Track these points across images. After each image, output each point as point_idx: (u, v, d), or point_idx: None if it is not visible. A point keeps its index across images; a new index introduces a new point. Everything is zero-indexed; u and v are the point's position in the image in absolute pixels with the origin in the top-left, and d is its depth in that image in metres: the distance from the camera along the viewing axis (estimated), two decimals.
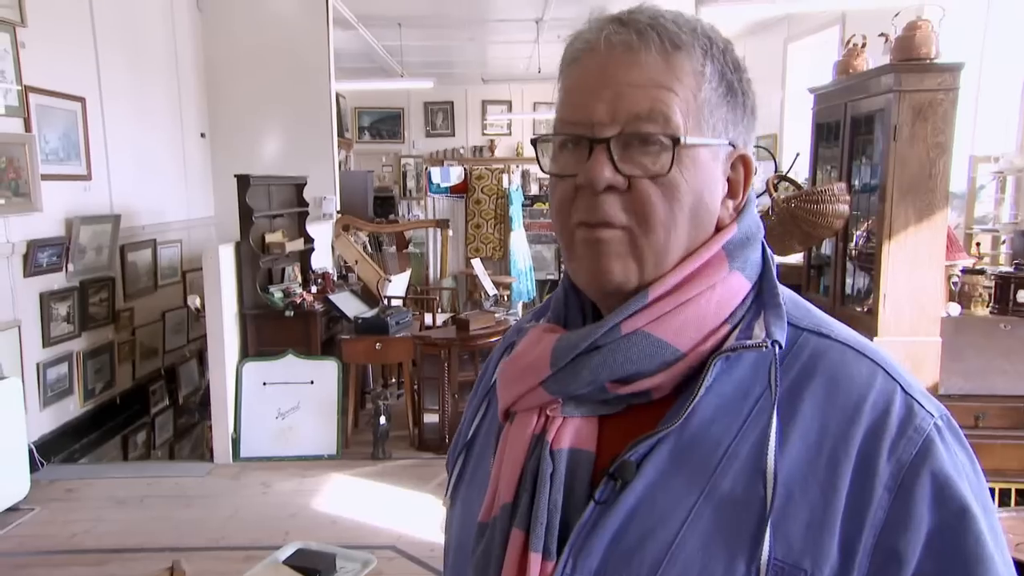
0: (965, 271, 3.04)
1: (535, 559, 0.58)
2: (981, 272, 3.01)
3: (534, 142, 0.65)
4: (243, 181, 4.36)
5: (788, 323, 0.60)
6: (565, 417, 0.61)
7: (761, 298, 0.62)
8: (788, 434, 0.56)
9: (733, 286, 0.61)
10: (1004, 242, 3.95)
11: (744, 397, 0.59)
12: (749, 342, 0.58)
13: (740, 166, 0.63)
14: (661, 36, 0.58)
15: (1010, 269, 3.09)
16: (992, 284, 3.00)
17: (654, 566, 0.55)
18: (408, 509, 3.54)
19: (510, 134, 11.71)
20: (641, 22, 0.59)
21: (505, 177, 7.00)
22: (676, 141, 0.57)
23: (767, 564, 0.53)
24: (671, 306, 0.59)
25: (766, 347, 0.57)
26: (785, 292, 0.64)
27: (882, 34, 2.72)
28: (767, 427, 0.56)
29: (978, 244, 3.92)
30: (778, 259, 4.02)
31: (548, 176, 0.65)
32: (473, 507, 0.67)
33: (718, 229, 0.62)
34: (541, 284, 7.84)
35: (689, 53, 0.59)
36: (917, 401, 0.58)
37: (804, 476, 0.55)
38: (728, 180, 0.63)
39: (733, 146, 0.62)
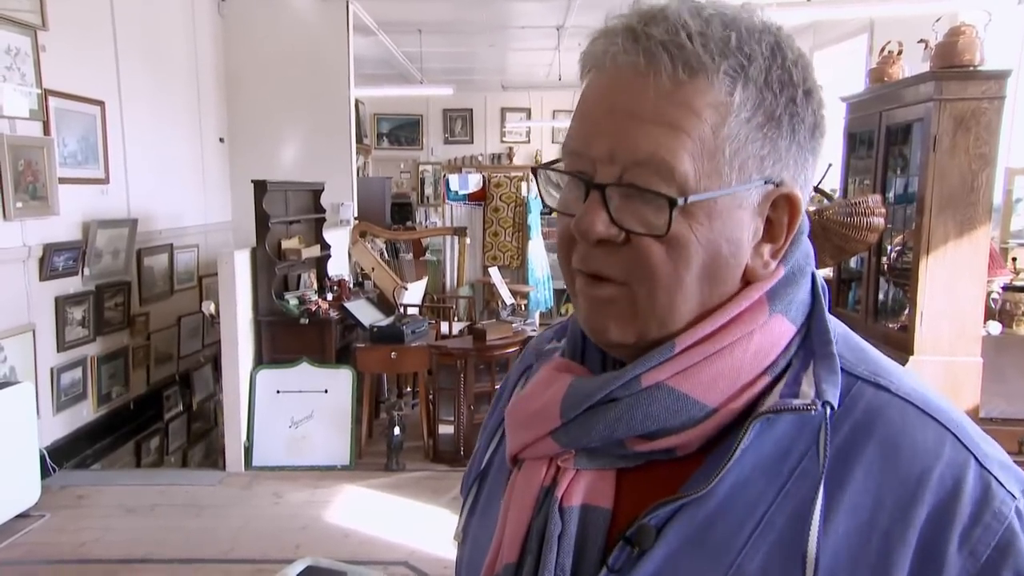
0: (1006, 288, 2.91)
1: None
2: (1023, 289, 2.88)
3: (534, 171, 0.58)
4: (260, 186, 4.31)
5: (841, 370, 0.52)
6: (578, 470, 0.55)
7: (809, 343, 0.53)
8: (834, 507, 0.48)
9: (774, 332, 0.53)
10: None
11: (784, 458, 0.50)
12: (796, 402, 0.49)
13: (784, 205, 0.53)
14: (674, 59, 0.48)
15: None
16: None
17: None
18: (421, 523, 3.45)
19: (529, 142, 11.65)
20: (655, 38, 0.49)
21: (524, 185, 6.94)
22: (673, 203, 0.48)
23: None
24: (700, 357, 0.52)
25: (815, 410, 0.48)
26: (837, 329, 0.55)
27: (922, 40, 2.61)
28: (810, 500, 0.48)
29: (1014, 259, 3.78)
30: None
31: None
32: (482, 550, 0.61)
33: (746, 279, 0.54)
34: (559, 293, 7.74)
35: (710, 80, 0.48)
36: (995, 477, 0.49)
37: (852, 560, 0.47)
38: (768, 220, 0.53)
39: (775, 183, 0.52)
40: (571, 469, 0.55)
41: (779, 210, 0.53)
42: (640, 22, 0.50)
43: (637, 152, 0.49)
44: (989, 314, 2.92)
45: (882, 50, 3.05)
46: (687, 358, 0.52)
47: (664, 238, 0.50)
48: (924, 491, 0.47)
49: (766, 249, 0.53)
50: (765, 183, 0.51)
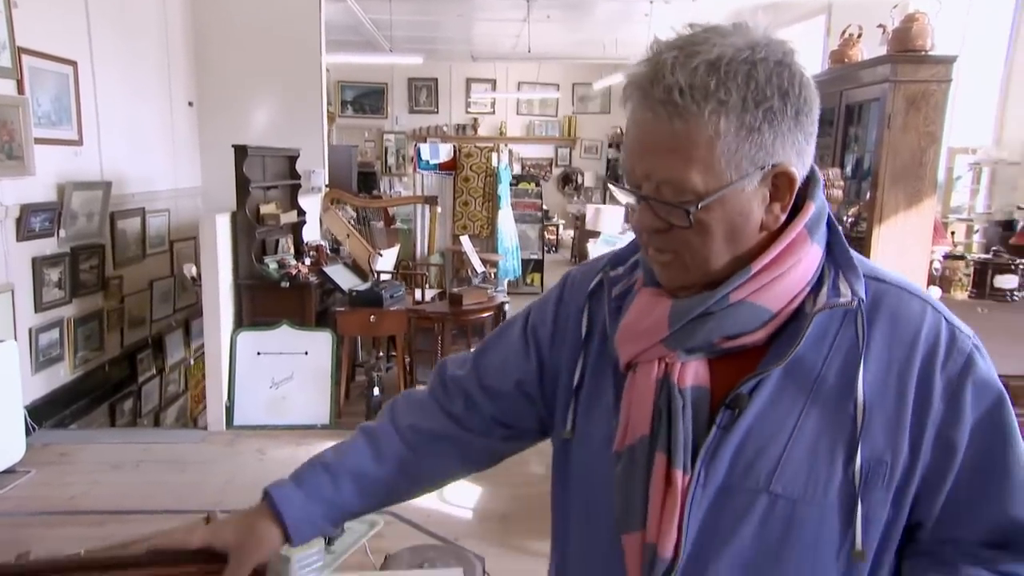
0: (946, 256, 3.19)
1: (678, 473, 0.74)
2: (961, 258, 3.16)
3: (606, 184, 0.82)
4: (241, 151, 4.34)
5: None
6: (683, 362, 0.76)
7: (833, 258, 0.77)
8: (866, 360, 0.73)
9: (812, 256, 0.76)
10: (977, 231, 4.13)
11: (823, 336, 0.75)
12: (842, 300, 0.73)
13: (783, 175, 0.72)
14: (671, 115, 0.68)
15: (988, 256, 3.25)
16: (971, 270, 3.16)
17: (769, 473, 0.73)
18: None
19: (494, 112, 11.71)
20: (655, 98, 0.68)
21: (494, 155, 7.04)
22: (688, 211, 0.70)
23: (860, 465, 0.72)
24: (769, 278, 0.74)
25: (854, 305, 0.73)
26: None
27: (880, 25, 2.82)
28: (852, 364, 0.73)
29: (952, 233, 4.08)
30: None
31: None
32: (594, 439, 0.83)
33: (764, 229, 0.74)
34: (526, 263, 7.91)
35: (698, 122, 0.67)
36: (957, 328, 0.76)
37: (881, 391, 0.73)
38: (774, 186, 0.72)
39: (770, 165, 0.71)
40: (678, 362, 0.76)
41: (779, 179, 0.73)
42: (647, 80, 0.70)
43: (661, 175, 0.71)
44: (931, 280, 3.20)
45: (843, 33, 3.27)
46: (760, 280, 0.74)
47: (692, 228, 0.72)
48: (918, 342, 0.74)
49: (776, 207, 0.74)
50: (761, 169, 0.71)
